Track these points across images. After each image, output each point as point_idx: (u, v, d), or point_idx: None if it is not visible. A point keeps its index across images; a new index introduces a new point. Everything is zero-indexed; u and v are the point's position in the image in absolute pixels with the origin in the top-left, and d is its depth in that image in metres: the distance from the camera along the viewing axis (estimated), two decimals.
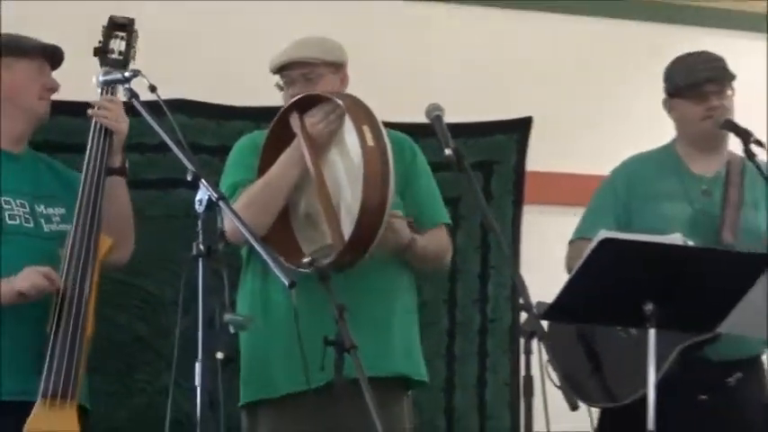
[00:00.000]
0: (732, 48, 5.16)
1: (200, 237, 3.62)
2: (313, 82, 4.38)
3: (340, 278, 4.07)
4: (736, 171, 4.69)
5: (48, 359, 3.96)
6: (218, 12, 5.55)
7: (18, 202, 4.16)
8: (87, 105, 4.29)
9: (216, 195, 3.67)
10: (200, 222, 3.65)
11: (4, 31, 4.57)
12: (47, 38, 4.38)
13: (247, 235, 3.88)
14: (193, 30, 5.45)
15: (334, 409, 3.89)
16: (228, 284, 3.75)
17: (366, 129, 4.14)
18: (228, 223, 3.97)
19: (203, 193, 3.66)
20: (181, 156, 3.74)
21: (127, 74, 3.96)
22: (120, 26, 4.39)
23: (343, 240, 4.12)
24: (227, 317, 3.66)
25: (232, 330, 3.72)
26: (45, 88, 4.29)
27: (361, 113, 4.20)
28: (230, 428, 4.25)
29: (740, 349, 4.55)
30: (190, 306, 3.67)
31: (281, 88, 4.44)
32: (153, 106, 3.87)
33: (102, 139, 4.21)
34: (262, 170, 4.30)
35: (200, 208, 3.66)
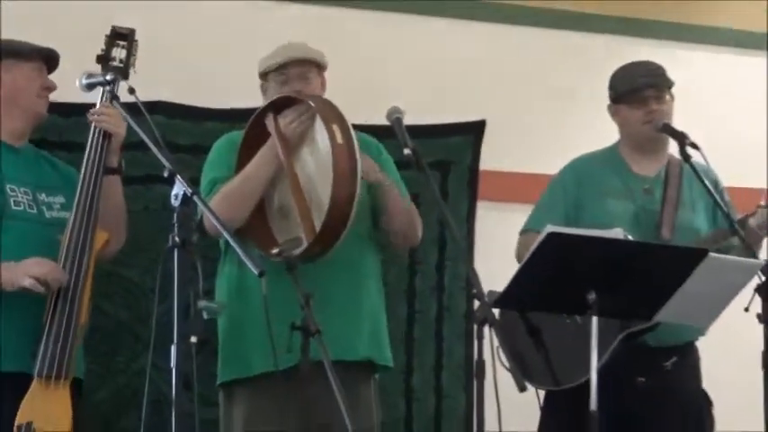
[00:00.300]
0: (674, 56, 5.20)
1: (176, 229, 3.61)
2: (308, 81, 4.42)
3: (311, 267, 4.11)
4: (675, 172, 4.71)
5: (43, 343, 3.96)
6: (195, 23, 5.53)
7: (22, 189, 4.17)
8: (81, 107, 4.33)
9: (190, 191, 3.68)
10: (175, 216, 3.64)
11: (5, 34, 4.62)
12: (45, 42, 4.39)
13: (219, 227, 3.91)
14: (171, 38, 5.38)
15: (303, 389, 3.87)
16: (203, 274, 3.76)
17: (335, 128, 4.16)
18: (207, 216, 4.01)
19: (179, 189, 3.66)
20: (158, 154, 3.75)
21: (108, 77, 4.00)
22: (121, 36, 4.40)
23: (315, 232, 4.13)
24: (201, 304, 3.66)
25: (206, 316, 3.73)
26: (43, 88, 4.29)
27: (331, 114, 4.22)
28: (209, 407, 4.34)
29: (676, 336, 4.58)
30: (167, 294, 3.65)
31: (264, 90, 4.45)
32: (132, 108, 3.89)
33: (100, 141, 4.20)
34: (239, 167, 4.31)
35: (175, 202, 3.66)
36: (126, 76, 4.32)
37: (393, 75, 5.59)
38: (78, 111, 4.44)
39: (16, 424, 3.88)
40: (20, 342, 4.00)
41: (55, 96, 4.40)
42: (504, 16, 6.12)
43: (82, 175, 4.18)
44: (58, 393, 3.94)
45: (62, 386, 3.95)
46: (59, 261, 4.06)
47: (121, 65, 4.36)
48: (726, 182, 4.79)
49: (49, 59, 4.36)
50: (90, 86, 4.07)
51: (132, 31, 4.43)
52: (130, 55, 4.38)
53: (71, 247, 4.07)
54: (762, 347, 4.10)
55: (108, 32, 4.41)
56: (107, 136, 4.21)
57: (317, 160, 4.25)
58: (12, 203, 4.13)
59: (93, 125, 4.24)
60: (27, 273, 3.97)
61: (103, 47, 4.38)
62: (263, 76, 4.47)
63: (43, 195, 4.23)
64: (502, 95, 5.94)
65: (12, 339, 4.01)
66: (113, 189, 4.27)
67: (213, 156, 4.45)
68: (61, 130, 4.75)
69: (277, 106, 4.29)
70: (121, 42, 4.39)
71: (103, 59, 4.34)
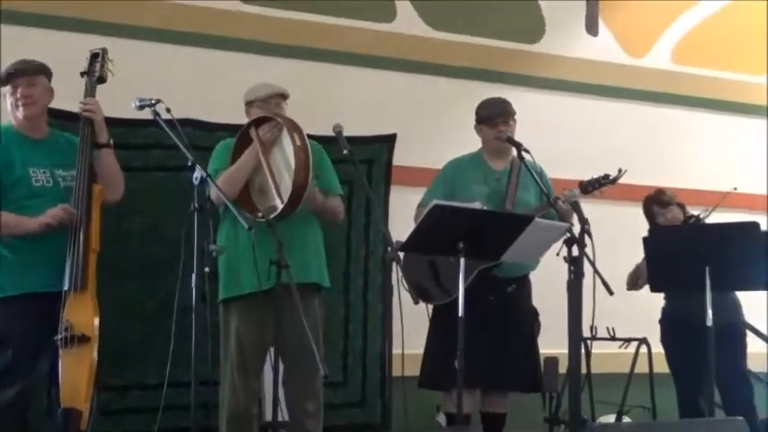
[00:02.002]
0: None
1: (196, 198, 3.65)
2: (280, 106, 4.36)
3: (281, 223, 4.10)
4: (516, 167, 4.66)
5: (68, 267, 3.78)
6: (215, 62, 5.50)
7: (41, 171, 3.92)
8: (74, 114, 4.05)
9: (206, 174, 3.71)
10: (195, 190, 3.67)
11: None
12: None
13: (223, 198, 3.97)
14: (195, 73, 5.40)
15: (278, 302, 3.91)
16: (212, 228, 3.81)
17: (295, 135, 4.16)
18: (213, 192, 4.02)
19: (198, 173, 3.70)
20: (185, 151, 3.77)
21: (153, 100, 3.81)
22: (95, 55, 4.10)
23: (283, 201, 4.12)
24: (211, 247, 3.70)
25: (214, 255, 3.76)
26: (17, 99, 3.95)
27: (293, 126, 4.21)
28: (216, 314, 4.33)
29: (515, 270, 4.56)
30: (190, 240, 3.68)
31: (248, 112, 4.38)
32: (170, 123, 3.82)
33: (85, 126, 3.96)
34: (233, 161, 4.28)
35: (196, 181, 3.69)
36: (103, 81, 4.07)
37: (337, 103, 5.55)
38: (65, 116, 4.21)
39: (63, 321, 3.72)
40: (49, 270, 3.81)
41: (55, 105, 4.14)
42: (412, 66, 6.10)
43: (78, 151, 3.92)
44: (84, 300, 3.77)
45: (87, 293, 3.78)
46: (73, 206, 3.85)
47: (99, 74, 4.07)
48: (551, 173, 4.77)
49: (14, 76, 3.95)
50: (141, 107, 3.86)
51: (104, 50, 4.12)
52: (103, 66, 4.07)
53: (77, 196, 3.85)
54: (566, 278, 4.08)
55: (88, 55, 4.13)
56: (89, 121, 3.95)
57: (283, 156, 4.21)
58: (33, 182, 3.89)
59: (81, 114, 3.98)
60: (48, 215, 3.79)
61: (85, 66, 4.10)
62: (250, 103, 4.41)
63: (60, 171, 3.95)
64: (410, 121, 5.92)
65: (44, 269, 3.83)
66: (106, 158, 4.00)
67: (216, 154, 4.39)
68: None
69: (257, 122, 4.28)
70: (96, 59, 4.09)
71: (86, 74, 4.08)
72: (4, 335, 3.80)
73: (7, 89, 3.97)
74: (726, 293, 4.75)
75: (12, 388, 3.75)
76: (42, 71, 4.02)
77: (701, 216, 4.98)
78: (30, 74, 3.97)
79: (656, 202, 5.09)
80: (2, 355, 3.79)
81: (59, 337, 3.69)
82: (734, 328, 4.90)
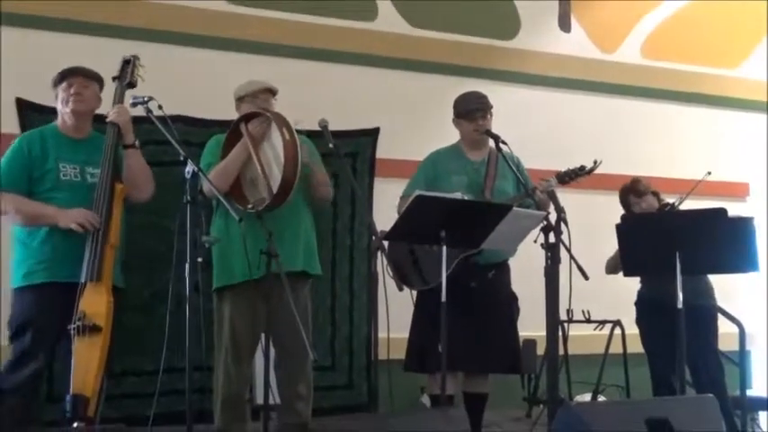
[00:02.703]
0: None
1: (188, 191, 3.66)
2: (268, 102, 4.37)
3: (272, 214, 4.12)
4: (493, 158, 4.66)
5: (86, 260, 3.85)
6: (205, 61, 5.51)
7: (71, 166, 4.01)
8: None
9: (197, 168, 3.72)
10: (188, 183, 3.68)
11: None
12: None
13: (215, 191, 3.97)
14: (187, 72, 5.39)
15: (268, 290, 3.92)
16: (205, 220, 3.82)
17: (285, 130, 4.17)
18: (206, 185, 4.03)
19: (190, 167, 3.71)
20: (178, 147, 3.78)
21: (146, 98, 3.83)
22: (127, 61, 4.23)
23: (272, 193, 4.13)
24: (204, 237, 3.72)
25: (207, 246, 3.78)
26: (69, 95, 4.06)
27: (282, 121, 4.22)
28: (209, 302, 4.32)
29: (495, 257, 4.54)
30: (184, 232, 3.69)
31: (238, 108, 4.39)
32: (162, 119, 3.85)
33: (112, 129, 4.05)
34: (224, 155, 4.28)
35: (188, 175, 3.70)
36: (133, 86, 4.18)
37: (322, 100, 5.52)
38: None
39: (77, 311, 3.77)
40: (73, 262, 3.86)
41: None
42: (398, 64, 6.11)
43: (103, 152, 4.00)
44: (98, 291, 3.83)
45: (102, 284, 3.84)
46: (94, 204, 3.92)
47: (130, 79, 4.19)
48: (526, 164, 4.76)
49: (73, 73, 4.08)
50: (134, 104, 3.91)
51: (135, 56, 4.25)
52: (134, 73, 4.19)
53: (99, 194, 3.94)
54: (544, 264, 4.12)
55: (120, 60, 4.24)
56: (115, 124, 4.04)
57: (273, 150, 4.22)
58: (60, 175, 3.98)
59: (108, 119, 4.08)
60: (73, 219, 3.86)
61: (118, 71, 4.21)
62: (240, 99, 4.42)
63: (90, 168, 4.03)
64: (392, 115, 5.92)
65: (69, 260, 3.88)
66: (133, 158, 4.09)
67: (207, 149, 4.38)
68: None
69: (247, 117, 4.29)
70: (128, 65, 4.21)
71: (117, 78, 4.19)
72: (26, 320, 3.89)
73: (61, 87, 4.06)
74: (698, 277, 4.80)
75: (27, 368, 3.81)
76: (97, 79, 4.14)
77: (676, 204, 5.01)
78: (86, 76, 4.10)
79: (631, 191, 5.12)
80: (21, 339, 3.87)
81: (73, 326, 3.74)
82: (705, 311, 4.94)
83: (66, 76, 4.07)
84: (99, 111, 4.20)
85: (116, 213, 3.96)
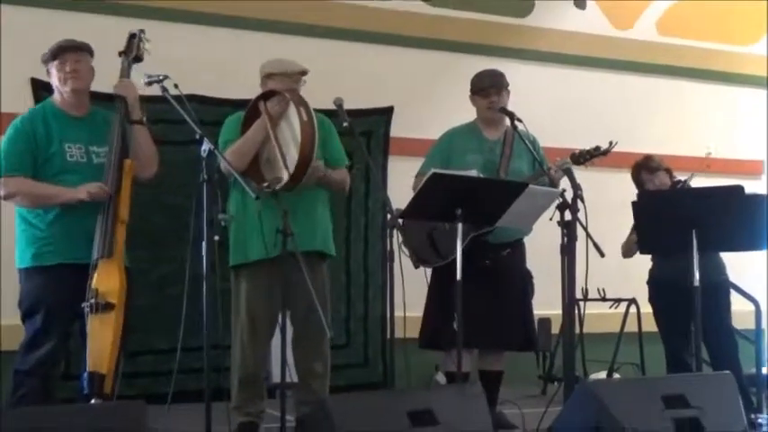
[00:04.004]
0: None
1: (204, 171, 3.64)
2: (299, 82, 4.31)
3: (289, 193, 4.11)
4: (509, 136, 4.64)
5: (97, 236, 3.79)
6: (221, 40, 5.51)
7: (76, 146, 3.93)
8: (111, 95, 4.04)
9: (212, 146, 3.70)
10: (204, 162, 3.66)
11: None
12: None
13: (231, 170, 3.95)
14: (204, 52, 5.40)
15: (284, 269, 3.89)
16: (221, 198, 3.81)
17: (302, 110, 4.15)
18: (223, 163, 4.02)
19: (206, 145, 3.69)
20: (194, 126, 3.75)
21: (161, 76, 3.79)
22: (133, 35, 4.12)
23: (290, 173, 4.13)
24: (220, 216, 3.71)
25: (223, 224, 3.77)
26: (66, 73, 3.95)
27: (300, 101, 4.20)
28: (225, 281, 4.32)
29: (509, 235, 4.54)
30: (199, 210, 3.68)
31: (265, 84, 4.32)
32: (178, 98, 3.79)
33: (120, 103, 3.96)
34: (242, 133, 4.26)
35: (204, 153, 3.68)
36: (140, 60, 4.08)
37: (337, 79, 5.52)
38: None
39: (91, 288, 3.73)
40: (83, 243, 3.82)
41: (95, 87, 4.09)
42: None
43: (112, 128, 3.93)
44: (110, 267, 3.76)
45: (113, 260, 3.77)
46: (104, 180, 3.85)
47: (135, 53, 4.08)
48: (542, 142, 4.73)
49: (64, 50, 3.96)
50: (150, 83, 3.84)
51: (141, 30, 4.13)
52: (139, 47, 4.07)
53: (109, 170, 3.86)
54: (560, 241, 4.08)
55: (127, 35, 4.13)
56: (122, 98, 3.96)
57: (290, 130, 4.19)
58: (67, 156, 3.91)
59: (115, 93, 3.99)
60: (84, 189, 3.81)
61: (124, 45, 4.10)
62: (270, 75, 4.31)
63: (94, 147, 3.95)
64: (407, 94, 5.92)
65: (79, 241, 3.84)
66: (140, 133, 4.01)
67: (226, 127, 4.37)
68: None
69: (265, 96, 4.26)
70: (134, 40, 4.10)
71: (123, 53, 4.08)
72: (36, 301, 3.87)
73: (54, 65, 3.97)
74: (711, 255, 4.76)
75: (41, 349, 3.81)
76: (87, 49, 4.03)
77: (687, 181, 4.98)
78: (77, 49, 3.99)
79: (644, 168, 5.09)
80: (33, 321, 3.86)
81: (86, 304, 3.72)
82: (718, 288, 4.90)
83: (58, 53, 3.96)
84: (102, 86, 4.12)
85: (125, 190, 3.88)
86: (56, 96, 4.03)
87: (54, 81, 4.00)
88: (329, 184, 4.35)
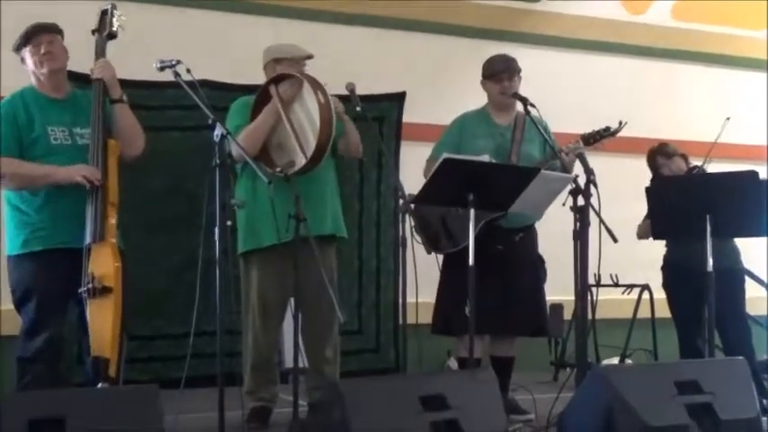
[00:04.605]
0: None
1: (217, 155, 3.63)
2: (305, 66, 4.32)
3: (301, 178, 4.10)
4: (520, 121, 4.62)
5: (88, 221, 3.74)
6: (230, 26, 5.51)
7: (60, 129, 3.87)
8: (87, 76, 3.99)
9: (225, 131, 3.69)
10: (216, 147, 3.64)
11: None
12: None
13: (243, 154, 3.94)
14: (208, 35, 5.39)
15: (296, 254, 3.87)
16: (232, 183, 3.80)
17: (319, 92, 4.13)
18: (234, 148, 4.01)
19: (218, 130, 3.67)
20: (206, 110, 3.72)
21: (173, 61, 3.73)
22: (104, 11, 4.02)
23: (307, 157, 4.11)
24: (232, 201, 3.70)
25: (235, 208, 3.76)
26: (41, 55, 3.90)
27: (316, 84, 4.17)
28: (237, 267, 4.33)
29: (521, 221, 4.52)
30: (212, 195, 3.65)
31: (272, 69, 4.30)
32: (190, 84, 3.75)
33: (97, 84, 3.88)
34: (253, 117, 4.24)
35: (216, 138, 3.66)
36: (114, 37, 4.00)
37: (348, 64, 5.50)
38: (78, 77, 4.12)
39: (86, 274, 3.69)
40: (72, 227, 3.78)
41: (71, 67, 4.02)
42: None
43: (92, 109, 3.86)
44: (104, 251, 3.71)
45: (106, 243, 3.72)
46: (89, 163, 3.79)
47: (108, 30, 3.98)
48: (553, 127, 4.70)
49: (36, 33, 3.91)
50: (162, 68, 3.77)
51: (113, 5, 4.03)
52: (110, 23, 3.98)
53: (94, 152, 3.80)
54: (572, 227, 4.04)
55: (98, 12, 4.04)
56: (100, 80, 3.89)
57: (305, 112, 4.17)
58: (51, 140, 3.85)
59: (93, 74, 3.93)
60: (79, 173, 3.75)
61: (96, 24, 4.02)
62: (278, 60, 4.31)
63: (78, 128, 3.89)
64: (418, 79, 5.92)
65: (68, 225, 3.80)
66: (122, 112, 3.94)
67: (235, 110, 4.34)
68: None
69: (276, 80, 4.24)
70: (105, 17, 4.00)
71: (96, 31, 4.00)
72: (28, 289, 3.83)
73: (27, 50, 3.92)
74: (725, 240, 4.73)
75: (39, 337, 3.77)
76: (57, 30, 3.97)
77: (703, 166, 4.96)
78: (48, 31, 3.93)
79: (660, 153, 5.07)
80: (27, 308, 3.82)
81: (83, 289, 3.70)
82: (733, 274, 4.89)
83: (30, 37, 3.91)
84: (79, 67, 4.07)
85: (112, 171, 3.83)
86: (34, 82, 3.97)
87: (30, 66, 3.94)
88: (348, 133, 4.31)
